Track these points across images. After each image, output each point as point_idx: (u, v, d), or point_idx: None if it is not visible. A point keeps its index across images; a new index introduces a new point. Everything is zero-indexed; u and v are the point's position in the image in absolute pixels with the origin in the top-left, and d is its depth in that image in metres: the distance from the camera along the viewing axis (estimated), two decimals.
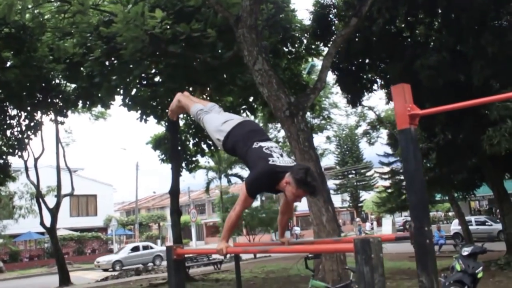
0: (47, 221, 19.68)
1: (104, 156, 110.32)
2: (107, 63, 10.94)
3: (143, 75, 12.48)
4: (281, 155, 3.36)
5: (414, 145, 3.02)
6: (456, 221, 27.11)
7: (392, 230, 37.90)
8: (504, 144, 9.98)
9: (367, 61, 13.88)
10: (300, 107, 7.10)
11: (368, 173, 44.86)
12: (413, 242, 2.99)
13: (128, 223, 42.46)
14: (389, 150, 25.08)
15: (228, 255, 23.75)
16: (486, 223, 24.92)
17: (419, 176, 3.01)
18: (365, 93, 14.35)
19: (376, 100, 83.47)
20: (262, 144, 3.46)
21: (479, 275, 7.10)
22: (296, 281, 13.53)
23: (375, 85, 14.53)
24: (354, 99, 14.42)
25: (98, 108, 20.77)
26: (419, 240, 2.94)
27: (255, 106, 17.04)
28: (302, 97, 7.52)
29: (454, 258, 8.16)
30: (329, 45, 10.55)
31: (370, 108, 24.39)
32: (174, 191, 15.90)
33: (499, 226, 23.75)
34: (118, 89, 11.40)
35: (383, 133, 26.22)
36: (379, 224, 41.37)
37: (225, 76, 11.96)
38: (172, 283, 3.82)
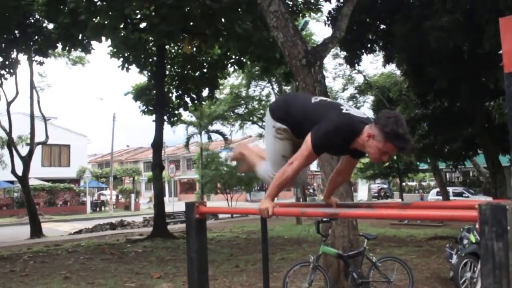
0: (19, 170, 18.68)
1: (79, 105, 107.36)
2: None
3: (134, 16, 11.51)
4: (350, 106, 2.80)
5: None
6: (433, 190, 27.35)
7: (367, 197, 38.23)
8: None
9: (368, 20, 13.20)
10: (317, 56, 6.39)
11: None
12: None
13: (102, 176, 41.47)
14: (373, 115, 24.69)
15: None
16: (463, 195, 25.15)
17: None
18: (365, 53, 13.69)
19: (366, 64, 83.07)
20: (323, 98, 2.99)
21: None
22: (280, 243, 13.20)
23: (375, 45, 13.88)
24: (352, 59, 13.76)
25: (77, 53, 19.67)
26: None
27: (245, 60, 16.30)
28: (319, 46, 6.81)
29: (461, 229, 7.77)
30: None
31: (359, 72, 23.81)
32: (157, 144, 15.14)
33: (475, 198, 24.05)
34: (106, 30, 10.37)
35: (370, 98, 25.80)
36: (355, 189, 41.65)
37: (223, 21, 11.05)
38: (193, 247, 3.17)
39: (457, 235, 7.67)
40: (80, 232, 20.42)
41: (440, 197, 22.73)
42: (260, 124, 28.20)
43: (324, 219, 6.31)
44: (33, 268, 10.02)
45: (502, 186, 13.11)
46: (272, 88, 27.05)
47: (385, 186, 40.62)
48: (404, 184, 27.69)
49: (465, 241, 7.06)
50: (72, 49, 14.47)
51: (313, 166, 27.05)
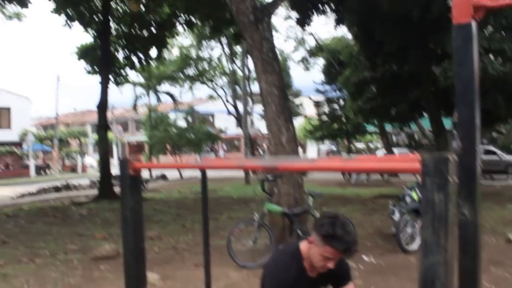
0: None
1: (20, 65, 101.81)
2: None
3: None
4: None
5: (472, 45, 2.33)
6: (379, 152, 28.07)
7: (316, 158, 38.87)
8: None
9: None
10: (265, 12, 6.19)
11: (297, 101, 44.92)
12: (458, 166, 2.37)
13: (47, 138, 39.93)
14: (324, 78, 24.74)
15: (154, 175, 23.13)
16: None
17: (474, 86, 2.34)
18: (316, 14, 13.51)
19: (318, 27, 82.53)
20: None
21: None
22: (228, 203, 13.22)
23: (327, 7, 13.72)
24: (303, 20, 13.58)
25: (12, 8, 18.40)
26: (467, 163, 2.33)
27: (194, 20, 15.85)
28: (269, 3, 6.59)
29: (404, 187, 7.95)
30: None
31: (311, 34, 23.69)
32: (103, 105, 14.59)
33: None
34: None
35: (321, 61, 25.77)
36: (304, 151, 42.26)
37: None
38: (128, 205, 2.99)
39: (401, 194, 7.84)
40: (22, 196, 19.68)
41: None
42: (209, 85, 27.79)
43: (269, 177, 6.27)
44: None
45: (445, 148, 13.54)
46: (223, 49, 26.57)
47: (334, 148, 41.38)
48: (352, 145, 28.21)
49: (408, 199, 7.23)
50: (7, 2, 13.52)
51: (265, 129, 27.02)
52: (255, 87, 43.88)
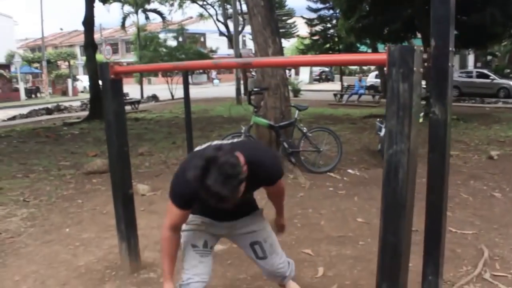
0: None
1: None
2: None
3: None
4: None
5: None
6: (373, 73, 27.89)
7: (309, 79, 38.67)
8: None
9: None
10: None
11: (289, 21, 43.85)
12: (430, 65, 2.41)
13: (35, 61, 39.12)
14: None
15: (145, 96, 22.97)
16: None
17: None
18: None
19: None
20: None
21: (420, 120, 6.99)
22: (219, 122, 13.33)
23: None
24: None
25: None
26: (439, 62, 2.36)
27: None
28: None
29: None
30: None
31: None
32: (88, 22, 14.20)
33: None
34: None
35: None
36: (297, 73, 41.91)
37: None
38: (110, 108, 3.05)
39: None
40: (14, 118, 19.63)
41: (379, 80, 23.29)
42: (200, 3, 26.94)
43: (255, 89, 6.30)
44: None
45: None
46: None
47: (327, 69, 41.06)
48: (344, 67, 27.96)
49: None
50: None
51: None
52: (244, 6, 42.73)
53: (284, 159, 6.38)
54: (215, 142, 2.17)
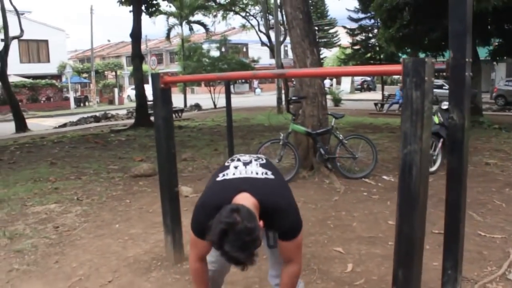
0: None
1: None
2: None
3: None
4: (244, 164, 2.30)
5: None
6: None
7: (350, 89, 38.59)
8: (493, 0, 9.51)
9: None
10: None
11: (331, 30, 44.00)
12: (449, 76, 2.63)
13: (83, 71, 40.84)
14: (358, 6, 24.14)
15: (188, 105, 23.56)
16: (443, 87, 25.48)
17: None
18: None
19: None
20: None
21: None
22: (260, 130, 13.64)
23: None
24: None
25: None
26: (457, 72, 2.58)
27: None
28: None
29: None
30: None
31: None
32: (136, 34, 14.88)
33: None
34: None
35: None
36: (338, 82, 41.90)
37: None
38: (159, 115, 3.41)
39: None
40: (64, 125, 20.69)
41: None
42: (242, 14, 27.50)
43: (294, 98, 6.58)
44: (20, 157, 10.37)
45: (477, 77, 13.37)
46: None
47: (368, 78, 40.87)
48: (386, 76, 27.85)
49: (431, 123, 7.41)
50: None
51: None
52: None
53: (321, 165, 6.62)
54: (241, 158, 2.33)
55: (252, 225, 1.82)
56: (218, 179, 2.22)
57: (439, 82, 26.89)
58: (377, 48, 22.97)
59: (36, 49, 38.25)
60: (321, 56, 46.41)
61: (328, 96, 26.76)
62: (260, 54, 37.07)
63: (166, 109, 3.43)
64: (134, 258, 3.95)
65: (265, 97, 34.38)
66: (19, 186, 6.98)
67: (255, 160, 2.29)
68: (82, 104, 35.21)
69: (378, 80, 37.33)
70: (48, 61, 38.61)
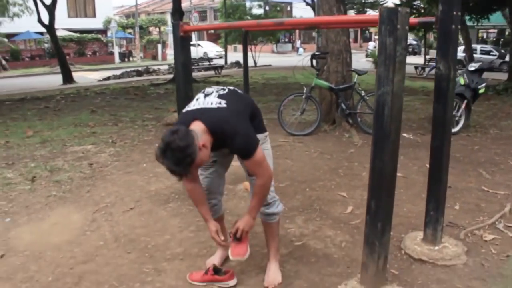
0: (45, 20, 19.02)
1: None
2: None
3: None
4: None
5: None
6: (460, 47, 26.75)
7: None
8: None
9: None
10: None
11: None
12: (437, 27, 2.81)
13: (128, 26, 41.54)
14: None
15: (228, 61, 23.71)
16: (491, 53, 24.56)
17: None
18: None
19: None
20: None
21: (481, 91, 7.10)
22: (295, 88, 13.75)
23: None
24: None
25: None
26: (444, 24, 2.76)
27: None
28: None
29: (458, 73, 8.10)
30: None
31: None
32: None
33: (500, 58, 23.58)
34: None
35: None
36: None
37: None
38: (179, 60, 3.74)
39: None
40: (108, 78, 21.48)
41: (464, 54, 22.39)
42: None
43: (317, 53, 6.76)
44: (65, 105, 11.06)
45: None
46: None
47: (414, 42, 39.76)
48: (427, 38, 27.14)
49: (457, 84, 7.45)
50: None
51: None
52: None
53: (342, 120, 6.84)
54: (206, 90, 2.64)
55: (184, 143, 2.17)
56: (183, 110, 2.57)
57: (487, 47, 25.93)
58: (422, 10, 22.30)
59: (83, 4, 39.08)
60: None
61: (369, 58, 26.46)
62: (304, 13, 36.60)
63: (185, 56, 3.74)
64: (156, 191, 4.39)
65: (308, 57, 34.07)
66: (61, 130, 7.58)
67: (216, 91, 2.58)
68: (126, 59, 36.02)
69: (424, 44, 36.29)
70: (94, 16, 39.44)
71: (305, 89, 6.76)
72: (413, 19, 2.76)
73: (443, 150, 2.99)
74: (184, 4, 42.60)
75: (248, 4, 28.33)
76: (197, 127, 2.33)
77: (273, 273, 2.79)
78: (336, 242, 3.30)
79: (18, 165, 5.39)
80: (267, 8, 31.26)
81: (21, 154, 5.95)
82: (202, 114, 2.41)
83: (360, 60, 24.17)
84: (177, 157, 2.17)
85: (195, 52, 31.84)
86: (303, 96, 6.74)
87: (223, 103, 2.45)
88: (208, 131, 2.34)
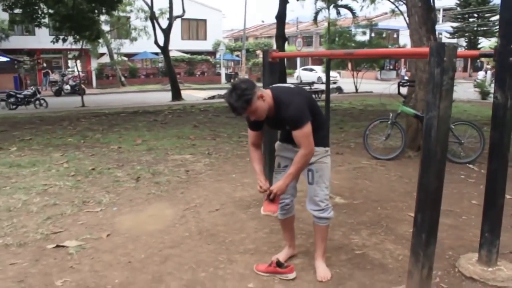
0: (160, 41, 21.01)
1: None
2: None
3: None
4: None
5: None
6: None
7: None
8: None
9: None
10: None
11: (493, 18, 40.78)
12: (496, 59, 3.04)
13: (236, 49, 43.65)
14: None
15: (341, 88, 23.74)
16: None
17: None
18: None
19: None
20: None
21: None
22: (379, 113, 13.82)
23: None
24: None
25: None
26: (502, 57, 2.99)
27: None
28: None
29: None
30: None
31: None
32: (281, 16, 15.90)
33: None
34: None
35: None
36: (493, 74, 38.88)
37: None
38: (266, 82, 4.26)
39: None
40: (213, 97, 22.89)
41: None
42: (392, 0, 27.08)
43: (404, 81, 6.96)
44: (171, 120, 12.21)
45: None
46: None
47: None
48: None
49: None
50: None
51: None
52: (443, 1, 40.83)
53: None
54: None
55: (245, 86, 2.79)
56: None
57: None
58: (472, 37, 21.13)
59: (196, 28, 41.80)
60: (479, 46, 43.49)
61: (477, 89, 25.34)
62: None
63: (272, 78, 4.26)
64: (240, 198, 4.93)
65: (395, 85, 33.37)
66: (165, 140, 8.51)
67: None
68: (232, 80, 37.80)
69: None
70: (205, 38, 42.01)
71: (391, 115, 6.98)
72: (474, 51, 3.03)
73: (498, 174, 3.17)
74: (291, 29, 44.05)
75: (353, 30, 28.57)
76: (268, 92, 2.97)
77: (323, 270, 3.20)
78: (394, 255, 3.57)
79: (127, 167, 6.30)
80: (373, 35, 31.25)
81: (130, 158, 6.90)
82: (273, 87, 3.11)
83: (468, 90, 23.28)
84: (238, 94, 2.76)
85: (310, 76, 32.80)
86: (389, 122, 6.97)
87: (292, 86, 3.10)
88: (272, 96, 2.94)
